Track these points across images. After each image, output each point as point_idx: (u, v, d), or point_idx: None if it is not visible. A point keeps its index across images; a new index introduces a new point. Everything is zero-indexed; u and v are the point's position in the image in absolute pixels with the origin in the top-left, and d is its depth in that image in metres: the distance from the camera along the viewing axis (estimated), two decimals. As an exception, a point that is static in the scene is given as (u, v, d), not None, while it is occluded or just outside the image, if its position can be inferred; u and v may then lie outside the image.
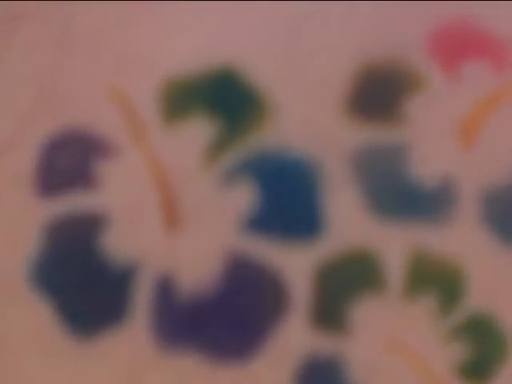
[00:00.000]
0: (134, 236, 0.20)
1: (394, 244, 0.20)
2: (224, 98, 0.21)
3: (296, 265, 0.20)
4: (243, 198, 0.20)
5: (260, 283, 0.20)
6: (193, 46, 0.21)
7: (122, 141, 0.21)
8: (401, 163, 0.21)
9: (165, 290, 0.21)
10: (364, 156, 0.21)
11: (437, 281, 0.20)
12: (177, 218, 0.20)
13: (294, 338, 0.20)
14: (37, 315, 0.20)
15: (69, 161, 0.21)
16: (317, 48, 0.21)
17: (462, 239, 0.20)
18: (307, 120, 0.21)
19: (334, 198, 0.21)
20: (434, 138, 0.21)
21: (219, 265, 0.20)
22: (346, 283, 0.21)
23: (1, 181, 0.20)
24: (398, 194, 0.21)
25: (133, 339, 0.20)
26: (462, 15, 0.21)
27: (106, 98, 0.21)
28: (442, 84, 0.21)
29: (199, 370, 0.20)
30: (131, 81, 0.21)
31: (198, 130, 0.21)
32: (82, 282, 0.21)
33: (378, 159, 0.21)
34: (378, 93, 0.22)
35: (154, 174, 0.20)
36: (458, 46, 0.21)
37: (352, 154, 0.21)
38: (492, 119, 0.21)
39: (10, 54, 0.21)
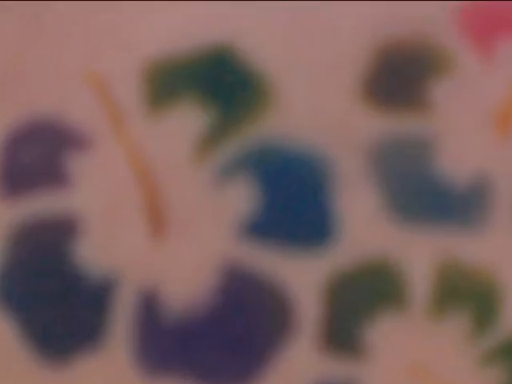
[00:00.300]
0: (113, 244, 0.19)
1: (418, 253, 0.19)
2: (218, 82, 0.19)
3: (303, 277, 0.19)
4: (241, 198, 0.19)
5: (261, 299, 0.19)
6: (181, 22, 0.19)
7: (98, 132, 0.19)
8: (427, 158, 0.19)
9: (149, 308, 0.19)
10: (383, 150, 0.19)
11: (469, 296, 0.19)
12: (163, 222, 0.18)
13: (301, 363, 0.19)
14: (-1, 336, 0.18)
15: (35, 155, 0.19)
16: (327, 24, 0.19)
17: (498, 247, 0.19)
18: (316, 108, 0.19)
19: (349, 199, 0.19)
20: (465, 129, 0.19)
21: (213, 278, 0.18)
22: (362, 299, 0.19)
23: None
24: (424, 195, 0.19)
25: (111, 364, 0.19)
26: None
27: (79, 82, 0.19)
28: (474, 65, 0.19)
29: (190, 401, 0.18)
30: (109, 62, 0.19)
31: (189, 119, 0.19)
32: (51, 298, 0.19)
33: (399, 154, 0.19)
34: (400, 76, 0.19)
35: (136, 171, 0.19)
36: (494, 21, 0.20)
37: (369, 147, 0.19)
38: (533, 106, 0.19)
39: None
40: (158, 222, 0.19)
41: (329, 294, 0.19)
